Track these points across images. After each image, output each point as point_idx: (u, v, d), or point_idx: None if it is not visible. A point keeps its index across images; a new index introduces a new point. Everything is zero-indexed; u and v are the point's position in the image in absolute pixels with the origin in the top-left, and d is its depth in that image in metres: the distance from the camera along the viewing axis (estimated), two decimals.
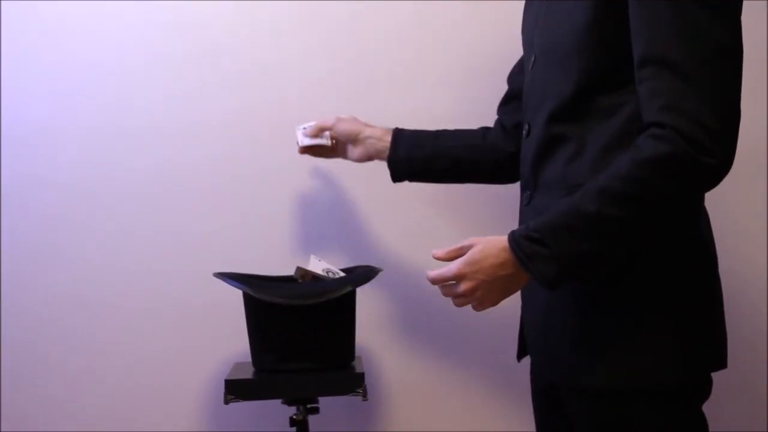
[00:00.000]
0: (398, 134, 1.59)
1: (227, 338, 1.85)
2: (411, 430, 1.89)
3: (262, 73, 1.87)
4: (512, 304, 1.41)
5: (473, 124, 1.67)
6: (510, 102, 1.57)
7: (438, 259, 1.23)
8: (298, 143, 1.67)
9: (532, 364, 1.42)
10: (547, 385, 1.36)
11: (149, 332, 1.85)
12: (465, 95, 1.89)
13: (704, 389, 1.22)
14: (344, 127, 1.63)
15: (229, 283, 1.58)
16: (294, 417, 1.60)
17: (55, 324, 1.83)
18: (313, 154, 1.70)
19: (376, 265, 1.80)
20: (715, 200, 1.41)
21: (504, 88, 1.61)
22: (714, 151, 1.06)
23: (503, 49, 1.84)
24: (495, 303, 1.22)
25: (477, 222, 1.89)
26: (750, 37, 1.30)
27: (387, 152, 1.59)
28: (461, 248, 1.21)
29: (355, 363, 1.65)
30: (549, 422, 1.39)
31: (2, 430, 1.82)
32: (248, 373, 1.62)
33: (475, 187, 1.69)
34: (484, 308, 1.23)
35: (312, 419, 1.65)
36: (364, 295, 1.85)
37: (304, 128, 1.68)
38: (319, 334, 1.59)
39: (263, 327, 1.60)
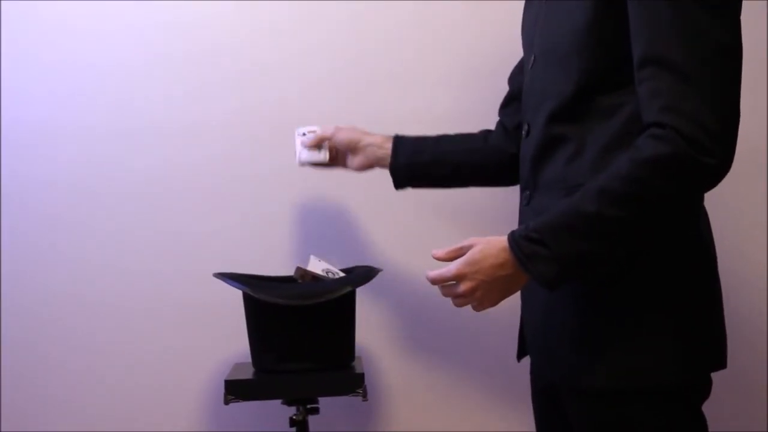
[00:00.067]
0: (399, 141, 1.57)
1: (227, 338, 1.85)
2: (411, 430, 1.89)
3: (262, 73, 1.87)
4: (512, 304, 1.41)
5: (473, 124, 1.67)
6: (511, 103, 1.56)
7: (438, 259, 1.23)
8: (296, 153, 1.65)
9: (532, 364, 1.42)
10: (547, 385, 1.36)
11: (149, 332, 1.85)
12: (465, 95, 1.89)
13: (704, 389, 1.22)
14: (343, 136, 1.61)
15: (229, 284, 1.58)
16: (294, 417, 1.60)
17: (55, 324, 1.83)
18: (312, 167, 1.69)
19: (376, 266, 1.79)
20: (715, 200, 1.42)
21: (504, 88, 1.60)
22: (714, 151, 1.06)
23: (503, 49, 1.84)
24: (495, 303, 1.22)
25: (477, 222, 1.89)
26: (750, 37, 1.30)
27: (388, 160, 1.57)
28: (461, 248, 1.21)
29: (355, 363, 1.65)
30: (549, 422, 1.39)
31: (2, 430, 1.82)
32: (248, 373, 1.61)
33: (474, 187, 1.69)
34: (483, 308, 1.22)
35: (312, 419, 1.65)
36: (364, 296, 1.86)
37: (303, 134, 1.65)
38: (319, 334, 1.59)
39: (263, 327, 1.60)
